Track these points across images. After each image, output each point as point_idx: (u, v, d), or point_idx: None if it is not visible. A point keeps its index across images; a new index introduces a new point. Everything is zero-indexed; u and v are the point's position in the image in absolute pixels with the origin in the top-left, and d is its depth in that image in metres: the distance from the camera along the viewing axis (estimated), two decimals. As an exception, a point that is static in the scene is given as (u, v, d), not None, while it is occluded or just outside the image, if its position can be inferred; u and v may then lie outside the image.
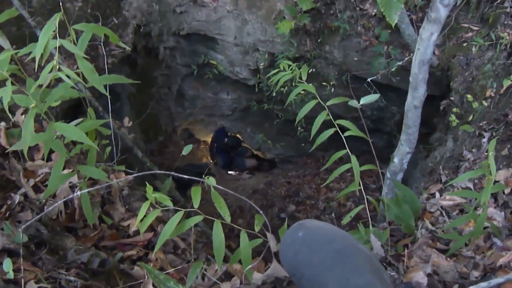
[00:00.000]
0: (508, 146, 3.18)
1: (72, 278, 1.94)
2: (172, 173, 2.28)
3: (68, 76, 1.98)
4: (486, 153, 3.34)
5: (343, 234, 1.72)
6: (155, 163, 4.49)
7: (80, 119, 2.44)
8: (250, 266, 2.03)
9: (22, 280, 1.75)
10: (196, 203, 1.98)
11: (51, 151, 2.65)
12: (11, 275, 1.75)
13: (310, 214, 6.67)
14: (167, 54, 6.87)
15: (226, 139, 8.97)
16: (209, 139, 9.88)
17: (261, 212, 2.15)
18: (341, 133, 2.45)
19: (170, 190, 3.61)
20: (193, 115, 8.44)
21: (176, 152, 7.92)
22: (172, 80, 7.45)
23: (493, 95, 3.77)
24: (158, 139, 7.60)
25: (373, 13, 5.32)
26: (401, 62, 4.73)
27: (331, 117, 2.47)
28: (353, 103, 2.39)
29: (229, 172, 9.40)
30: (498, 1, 4.27)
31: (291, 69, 2.90)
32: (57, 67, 1.93)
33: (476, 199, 2.68)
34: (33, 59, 2.02)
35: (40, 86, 1.99)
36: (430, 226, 2.66)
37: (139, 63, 6.21)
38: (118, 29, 5.15)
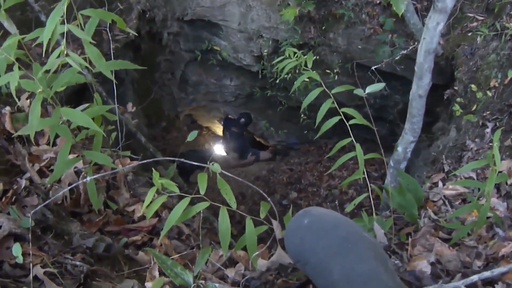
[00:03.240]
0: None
1: (78, 263, 1.95)
2: (177, 159, 2.29)
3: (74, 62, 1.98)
4: (489, 143, 3.34)
5: (347, 221, 1.73)
6: (157, 149, 4.49)
7: (86, 105, 2.44)
8: (256, 253, 2.04)
9: (31, 264, 1.76)
10: (202, 189, 1.99)
11: (56, 136, 2.66)
12: (20, 259, 1.76)
13: (312, 202, 6.68)
14: (171, 40, 6.86)
15: (242, 119, 8.55)
16: (211, 125, 9.81)
17: (269, 199, 2.15)
18: (346, 122, 2.45)
19: (173, 176, 3.62)
20: (196, 101, 8.44)
21: (179, 138, 7.92)
22: (176, 66, 7.44)
23: (497, 85, 3.76)
24: (161, 125, 7.61)
25: (378, 1, 5.31)
26: (405, 50, 4.73)
27: (336, 105, 2.47)
28: (359, 91, 2.39)
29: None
30: (504, -10, 4.26)
31: (297, 56, 2.89)
32: (65, 52, 1.93)
33: (479, 189, 2.69)
34: (38, 44, 2.02)
35: (47, 71, 2.00)
36: (433, 215, 2.67)
37: (143, 48, 6.20)
38: (122, 14, 5.14)
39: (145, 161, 2.22)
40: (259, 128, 8.81)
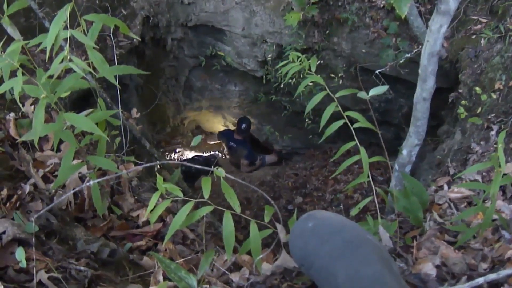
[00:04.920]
0: (517, 139, 3.17)
1: (82, 268, 1.95)
2: (181, 162, 2.29)
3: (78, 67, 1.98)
4: (494, 146, 3.33)
5: (352, 224, 1.73)
6: (162, 154, 4.49)
7: (90, 110, 2.45)
8: (260, 256, 2.04)
9: (35, 269, 1.76)
10: (206, 193, 1.99)
11: (60, 142, 2.67)
12: (23, 264, 1.76)
13: (317, 206, 6.66)
14: (175, 46, 6.87)
15: (243, 125, 8.51)
16: (216, 130, 9.79)
17: (272, 202, 2.15)
18: (350, 125, 2.45)
19: (178, 181, 3.62)
20: (200, 107, 8.44)
21: (184, 144, 7.92)
22: (180, 72, 7.45)
23: (501, 87, 3.75)
24: (166, 131, 7.61)
25: (382, 5, 5.30)
26: (409, 54, 4.72)
27: (340, 108, 2.47)
28: (362, 94, 2.38)
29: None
30: (508, -7, 4.25)
31: (300, 60, 2.89)
32: (68, 57, 1.94)
33: (484, 191, 2.68)
34: (42, 50, 2.03)
35: (51, 76, 2.00)
36: (438, 218, 2.66)
37: (147, 54, 6.22)
38: (126, 20, 5.15)
39: (149, 164, 2.22)
40: (263, 133, 8.80)
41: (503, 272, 1.75)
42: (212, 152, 9.59)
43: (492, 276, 1.74)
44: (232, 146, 8.76)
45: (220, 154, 9.24)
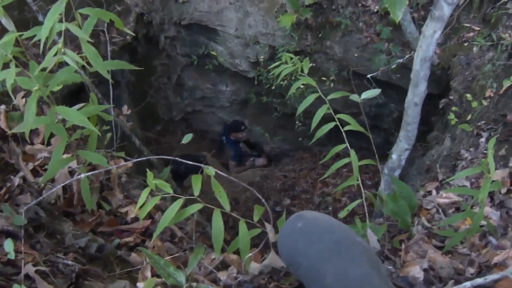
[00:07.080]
0: (506, 147, 3.19)
1: (69, 262, 1.95)
2: (171, 157, 2.29)
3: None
4: (483, 153, 3.34)
5: (341, 226, 1.73)
6: (152, 152, 4.48)
7: (81, 104, 2.44)
8: (248, 255, 2.04)
9: (22, 261, 1.75)
10: (196, 191, 1.98)
11: (50, 136, 2.65)
12: (12, 255, 1.75)
13: (305, 208, 6.65)
14: (168, 44, 6.86)
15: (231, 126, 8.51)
16: (206, 130, 9.76)
17: (263, 200, 2.15)
18: (341, 128, 2.45)
19: (167, 179, 3.61)
20: (191, 106, 8.42)
21: (173, 142, 7.91)
22: (172, 70, 7.44)
23: (492, 95, 3.77)
24: (156, 129, 7.60)
25: (375, 10, 5.32)
26: (401, 59, 4.74)
27: (331, 111, 2.47)
28: (355, 97, 2.40)
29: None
30: (501, 2, 4.28)
31: (293, 62, 2.89)
32: (62, 50, 1.93)
33: (472, 197, 2.69)
34: (35, 44, 2.02)
35: (44, 69, 1.99)
36: (426, 223, 2.67)
37: (139, 51, 6.21)
38: (119, 16, 5.13)
39: (139, 159, 2.22)
40: (253, 134, 8.80)
41: (490, 277, 1.76)
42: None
43: (479, 281, 1.75)
44: (222, 141, 8.75)
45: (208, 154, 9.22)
